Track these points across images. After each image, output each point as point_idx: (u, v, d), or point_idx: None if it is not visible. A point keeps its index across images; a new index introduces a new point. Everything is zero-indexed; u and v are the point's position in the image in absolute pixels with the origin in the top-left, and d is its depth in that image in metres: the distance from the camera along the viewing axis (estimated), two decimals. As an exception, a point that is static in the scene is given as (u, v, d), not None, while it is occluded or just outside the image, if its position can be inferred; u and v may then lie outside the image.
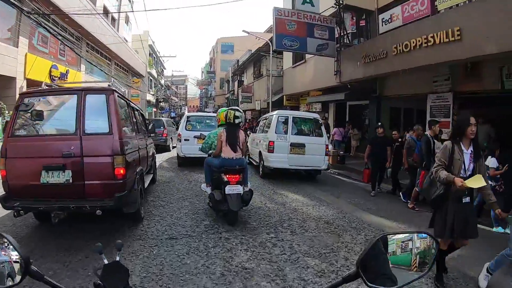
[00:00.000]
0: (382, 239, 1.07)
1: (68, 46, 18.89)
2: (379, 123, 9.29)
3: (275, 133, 8.99)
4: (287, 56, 20.43)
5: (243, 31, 21.73)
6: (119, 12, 31.68)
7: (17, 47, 15.73)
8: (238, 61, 35.91)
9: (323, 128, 9.78)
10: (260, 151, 9.91)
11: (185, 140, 11.07)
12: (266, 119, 10.66)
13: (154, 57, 48.81)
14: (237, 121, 5.71)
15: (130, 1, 37.41)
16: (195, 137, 10.22)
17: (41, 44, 18.25)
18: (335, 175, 12.17)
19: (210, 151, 6.10)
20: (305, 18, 12.69)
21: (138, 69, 38.16)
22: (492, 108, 9.28)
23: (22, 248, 0.99)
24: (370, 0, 12.47)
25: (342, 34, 12.94)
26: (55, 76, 18.42)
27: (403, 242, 1.09)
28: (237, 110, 5.87)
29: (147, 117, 30.99)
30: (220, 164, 5.53)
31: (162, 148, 16.24)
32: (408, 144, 7.93)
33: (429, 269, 1.08)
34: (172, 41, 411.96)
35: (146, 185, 6.40)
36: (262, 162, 9.64)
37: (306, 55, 17.34)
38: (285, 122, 9.24)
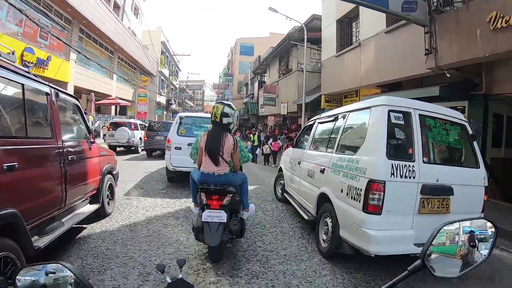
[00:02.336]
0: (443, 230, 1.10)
1: (45, 27, 14.66)
2: None
3: (389, 157, 3.50)
4: (329, 42, 15.49)
5: (270, 8, 16.85)
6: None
7: None
8: (259, 57, 31.23)
9: (475, 146, 4.19)
10: (323, 197, 4.55)
11: (175, 148, 8.51)
12: (334, 119, 5.04)
13: (167, 56, 44.86)
14: (225, 120, 4.11)
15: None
16: (189, 144, 7.52)
17: (13, 21, 14.04)
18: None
19: None
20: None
21: (148, 67, 34.10)
22: None
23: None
24: None
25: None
26: (28, 62, 14.41)
27: (453, 233, 1.13)
28: (228, 105, 4.20)
29: (155, 120, 27.37)
30: (199, 180, 4.09)
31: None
32: None
33: (488, 255, 1.12)
34: (188, 42, 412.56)
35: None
36: (337, 232, 3.97)
37: (360, 36, 12.41)
38: (404, 129, 3.72)
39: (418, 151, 3.60)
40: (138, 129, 18.24)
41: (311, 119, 6.70)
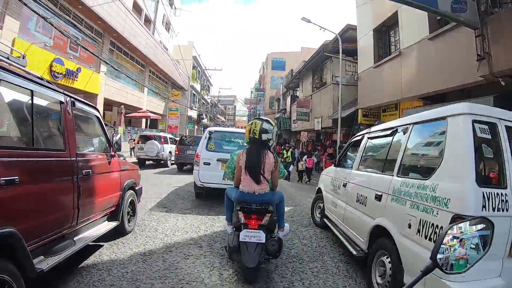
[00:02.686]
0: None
1: (75, 38, 14.67)
2: None
3: (479, 184, 2.58)
4: (365, 53, 14.57)
5: (303, 19, 16.25)
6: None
7: (1, 29, 11.63)
8: (292, 71, 30.55)
9: None
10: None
11: (204, 163, 8.24)
12: (391, 133, 4.09)
13: (198, 71, 45.13)
14: (264, 136, 4.03)
15: (171, 6, 33.79)
16: (219, 160, 8.11)
17: (42, 32, 14.12)
18: None
19: None
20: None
21: (179, 81, 34.26)
22: None
23: None
24: None
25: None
26: (57, 72, 14.38)
27: (459, 233, 1.26)
28: (266, 121, 4.15)
29: (186, 134, 27.04)
30: (237, 198, 3.99)
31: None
32: None
33: (489, 247, 1.25)
34: (219, 57, 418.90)
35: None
36: (399, 277, 3.05)
37: (400, 44, 11.46)
38: (491, 145, 2.79)
39: (510, 175, 2.69)
40: (168, 143, 17.99)
41: (358, 134, 5.74)
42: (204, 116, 48.53)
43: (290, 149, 16.25)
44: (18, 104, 2.93)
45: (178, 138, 19.88)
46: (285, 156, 15.85)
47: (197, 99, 47.32)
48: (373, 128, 4.96)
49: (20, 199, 2.66)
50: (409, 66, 10.93)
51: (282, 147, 19.57)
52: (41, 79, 3.20)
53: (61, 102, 3.41)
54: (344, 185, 5.09)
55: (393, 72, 11.94)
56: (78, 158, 3.56)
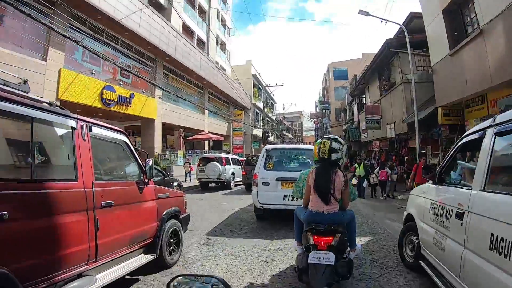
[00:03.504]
0: None
1: (122, 66, 14.76)
2: None
3: None
4: (437, 41, 12.48)
5: (360, 12, 14.74)
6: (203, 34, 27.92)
7: (45, 61, 11.79)
8: (355, 76, 28.52)
9: None
10: None
11: (263, 184, 7.86)
12: None
13: (260, 89, 44.88)
14: (334, 156, 3.93)
15: (224, 27, 33.99)
16: (278, 179, 7.67)
17: (89, 61, 14.35)
18: None
19: None
20: None
21: (241, 101, 34.03)
22: None
23: None
24: None
25: None
26: (109, 100, 14.57)
27: None
28: (335, 139, 4.03)
29: (252, 154, 26.45)
30: (306, 219, 3.91)
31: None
32: None
33: None
34: (280, 73, 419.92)
35: None
36: None
37: (480, 20, 9.39)
38: None
39: None
40: (230, 164, 17.39)
41: (470, 131, 3.56)
42: (270, 134, 47.80)
43: (362, 163, 14.13)
44: (14, 132, 2.95)
45: (243, 159, 19.44)
46: (357, 171, 13.77)
47: (261, 118, 46.97)
48: (503, 117, 2.79)
49: (12, 236, 2.48)
50: (497, 45, 8.82)
51: (353, 161, 17.75)
52: (50, 104, 3.13)
53: (72, 128, 3.26)
54: (459, 216, 3.10)
55: (476, 56, 9.84)
56: (95, 189, 3.37)
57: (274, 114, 58.40)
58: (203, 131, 25.64)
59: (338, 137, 4.12)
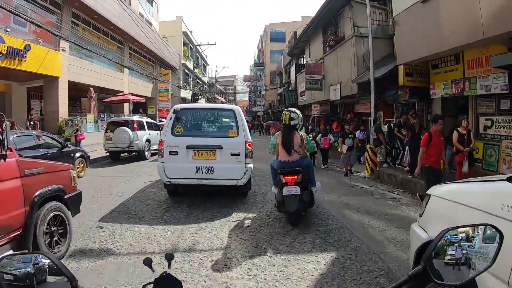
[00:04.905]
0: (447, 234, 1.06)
1: (15, 11, 11.15)
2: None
3: None
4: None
5: None
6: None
7: None
8: (295, 33, 26.21)
9: None
10: None
11: (170, 153, 6.60)
12: None
13: (190, 48, 41.20)
14: (292, 123, 5.85)
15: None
16: (189, 147, 6.56)
17: None
18: None
19: None
20: None
21: (169, 60, 30.50)
22: None
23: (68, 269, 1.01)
24: None
25: None
26: None
27: (456, 238, 1.08)
28: (293, 111, 5.95)
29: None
30: (278, 166, 5.75)
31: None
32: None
33: (493, 262, 1.01)
34: (214, 33, 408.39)
35: None
36: None
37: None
38: None
39: None
40: (144, 129, 14.37)
41: None
42: (200, 97, 44.65)
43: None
44: None
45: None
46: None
47: (191, 79, 43.67)
48: None
49: None
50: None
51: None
52: None
53: None
54: None
55: (462, 2, 7.89)
56: None
57: (206, 76, 55.38)
58: (122, 92, 21.99)
59: (295, 109, 6.09)
